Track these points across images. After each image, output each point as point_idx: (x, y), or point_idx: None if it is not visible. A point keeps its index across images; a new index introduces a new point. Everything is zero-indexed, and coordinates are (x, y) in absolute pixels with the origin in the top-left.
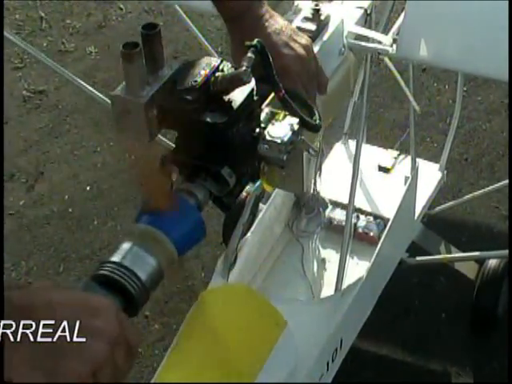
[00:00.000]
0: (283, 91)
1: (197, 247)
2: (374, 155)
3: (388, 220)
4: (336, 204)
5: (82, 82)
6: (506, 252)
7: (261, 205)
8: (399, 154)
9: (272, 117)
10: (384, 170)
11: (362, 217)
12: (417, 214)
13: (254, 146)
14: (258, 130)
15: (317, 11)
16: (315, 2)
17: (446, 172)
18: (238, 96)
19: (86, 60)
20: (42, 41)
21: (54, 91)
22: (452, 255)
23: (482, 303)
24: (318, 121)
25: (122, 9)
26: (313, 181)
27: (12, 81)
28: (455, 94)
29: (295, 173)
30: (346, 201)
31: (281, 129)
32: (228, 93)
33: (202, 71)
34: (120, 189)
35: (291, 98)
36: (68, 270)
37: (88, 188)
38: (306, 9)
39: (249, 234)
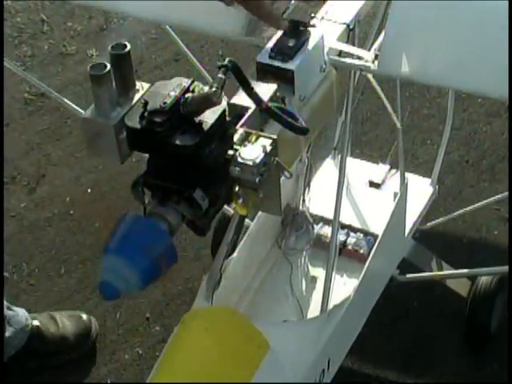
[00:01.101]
0: (265, 102)
1: (197, 250)
2: (364, 170)
3: (378, 237)
4: (325, 221)
5: (58, 95)
6: (498, 269)
7: (248, 221)
8: (390, 169)
9: (245, 138)
10: (375, 185)
11: (351, 234)
12: (407, 231)
13: (227, 168)
14: (230, 151)
15: (296, 25)
16: (295, 15)
17: (437, 187)
18: (209, 117)
19: (87, 63)
20: (44, 43)
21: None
22: (443, 272)
23: (474, 321)
24: (303, 124)
25: (123, 12)
26: (301, 197)
27: (14, 84)
28: (455, 95)
29: (272, 195)
30: None
31: (253, 150)
32: (199, 114)
33: (172, 92)
34: (121, 191)
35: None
36: (69, 272)
37: (89, 190)
38: (286, 22)
39: (235, 253)
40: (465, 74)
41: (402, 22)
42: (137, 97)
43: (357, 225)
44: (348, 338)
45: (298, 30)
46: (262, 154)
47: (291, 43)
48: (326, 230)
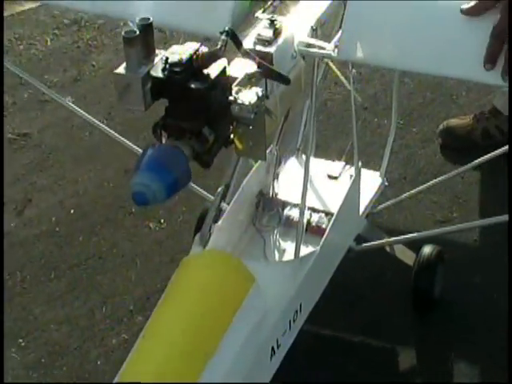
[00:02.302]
0: (257, 59)
1: (171, 255)
2: (323, 167)
3: None
4: (293, 205)
5: (94, 120)
6: (437, 231)
7: (225, 205)
8: (345, 165)
9: (241, 90)
10: (333, 178)
11: (314, 214)
12: (361, 211)
13: (228, 109)
14: (231, 97)
15: (272, 21)
16: (271, 14)
17: (386, 178)
18: (214, 69)
19: (64, 108)
20: (23, 93)
21: (37, 134)
22: (392, 239)
23: (419, 286)
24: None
25: (94, 65)
26: (272, 185)
27: None
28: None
29: (259, 141)
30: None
31: (249, 94)
32: (207, 67)
33: (186, 51)
34: (101, 210)
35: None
36: (59, 277)
37: (72, 211)
38: (265, 20)
39: (219, 222)
40: (407, 57)
41: (356, 19)
42: (157, 59)
43: (319, 207)
44: (315, 290)
45: (273, 25)
46: (256, 97)
47: (269, 34)
48: (294, 212)
